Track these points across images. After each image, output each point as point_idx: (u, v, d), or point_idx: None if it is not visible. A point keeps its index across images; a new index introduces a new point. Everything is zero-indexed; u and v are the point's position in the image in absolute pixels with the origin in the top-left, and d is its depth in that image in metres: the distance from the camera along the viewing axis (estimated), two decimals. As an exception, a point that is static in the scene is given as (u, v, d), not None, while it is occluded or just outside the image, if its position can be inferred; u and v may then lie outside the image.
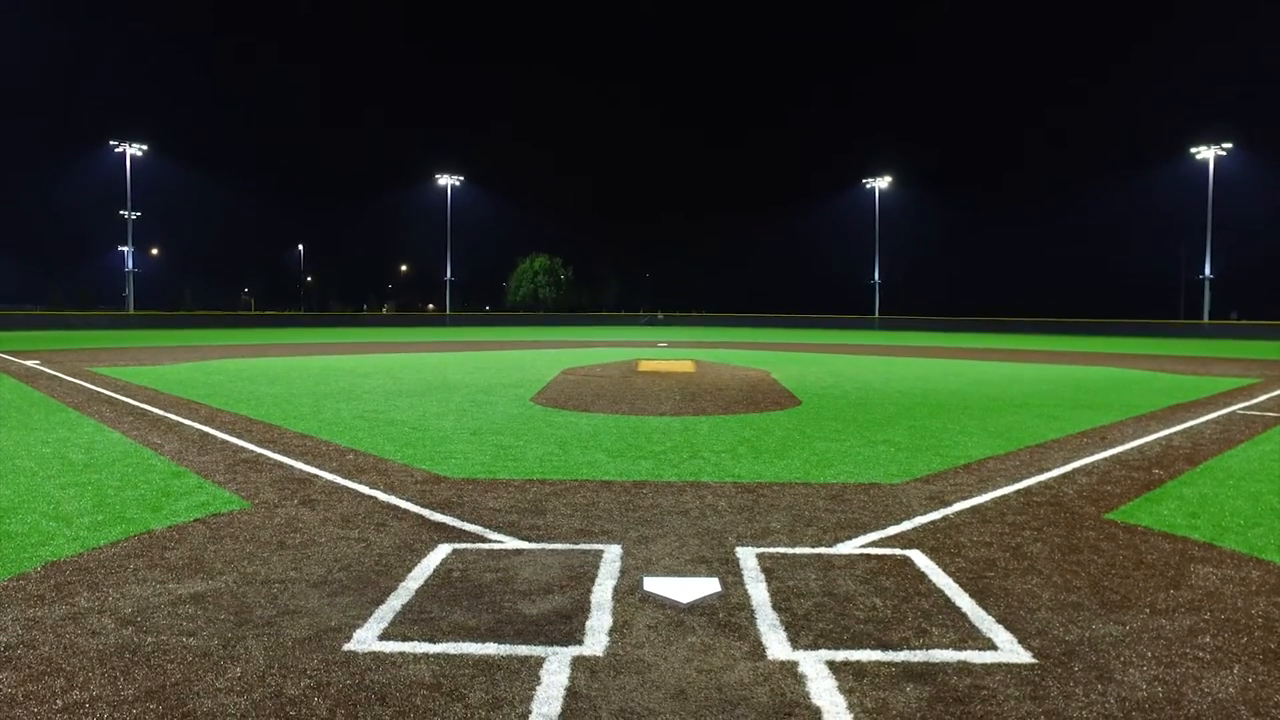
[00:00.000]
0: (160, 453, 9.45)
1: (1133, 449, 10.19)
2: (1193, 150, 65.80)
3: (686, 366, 23.14)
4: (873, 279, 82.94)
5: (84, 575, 5.25)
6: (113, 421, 11.83)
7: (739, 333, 60.29)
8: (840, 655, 4.14)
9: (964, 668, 4.01)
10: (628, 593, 5.00)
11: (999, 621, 4.59)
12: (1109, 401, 15.46)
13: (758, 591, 5.04)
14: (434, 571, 5.37)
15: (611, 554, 5.76)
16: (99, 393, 15.65)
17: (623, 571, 5.39)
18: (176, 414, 12.69)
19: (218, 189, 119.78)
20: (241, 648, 4.17)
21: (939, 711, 3.58)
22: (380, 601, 4.82)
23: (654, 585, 5.13)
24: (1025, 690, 3.78)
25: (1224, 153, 64.54)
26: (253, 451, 9.62)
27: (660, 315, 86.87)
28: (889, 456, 9.60)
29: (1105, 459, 9.51)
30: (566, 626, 4.47)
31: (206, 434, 10.83)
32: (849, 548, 5.99)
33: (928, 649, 4.22)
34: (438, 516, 6.74)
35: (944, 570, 5.48)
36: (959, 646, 4.25)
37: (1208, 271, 65.48)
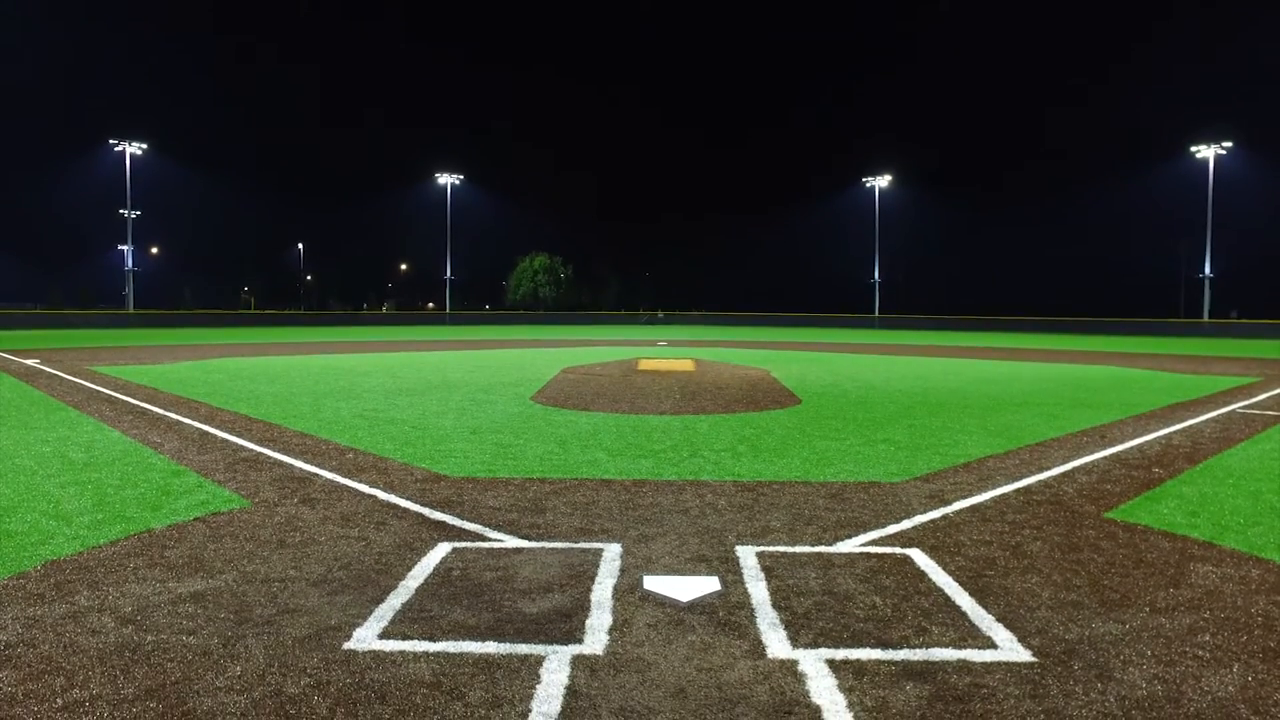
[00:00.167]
0: (160, 451, 9.45)
1: (1132, 448, 10.19)
2: (1193, 149, 65.80)
3: (686, 365, 23.14)
4: (873, 278, 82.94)
5: (84, 574, 5.25)
6: (112, 420, 11.83)
7: (739, 332, 60.28)
8: (840, 654, 4.14)
9: (964, 666, 4.01)
10: (628, 591, 5.00)
11: (999, 620, 4.59)
12: (1109, 400, 15.46)
13: (757, 590, 5.04)
14: (434, 570, 5.37)
15: (611, 553, 5.76)
16: (99, 392, 15.65)
17: (622, 570, 5.39)
18: (176, 413, 12.69)
19: (217, 188, 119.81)
20: (241, 646, 4.17)
21: (939, 710, 3.58)
22: (380, 600, 4.82)
23: (654, 584, 5.13)
24: (1025, 689, 3.78)
25: (1224, 152, 64.54)
26: (252, 450, 9.62)
27: (660, 314, 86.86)
28: (889, 455, 9.60)
29: (1105, 458, 9.51)
30: (566, 625, 4.47)
31: (206, 433, 10.83)
32: (849, 546, 5.99)
33: (927, 648, 4.22)
34: (437, 515, 6.74)
35: (944, 569, 5.48)
36: (959, 645, 4.25)
37: (1207, 270, 65.51)
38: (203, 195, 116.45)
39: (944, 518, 6.82)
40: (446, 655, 4.08)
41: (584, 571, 5.36)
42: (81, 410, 12.91)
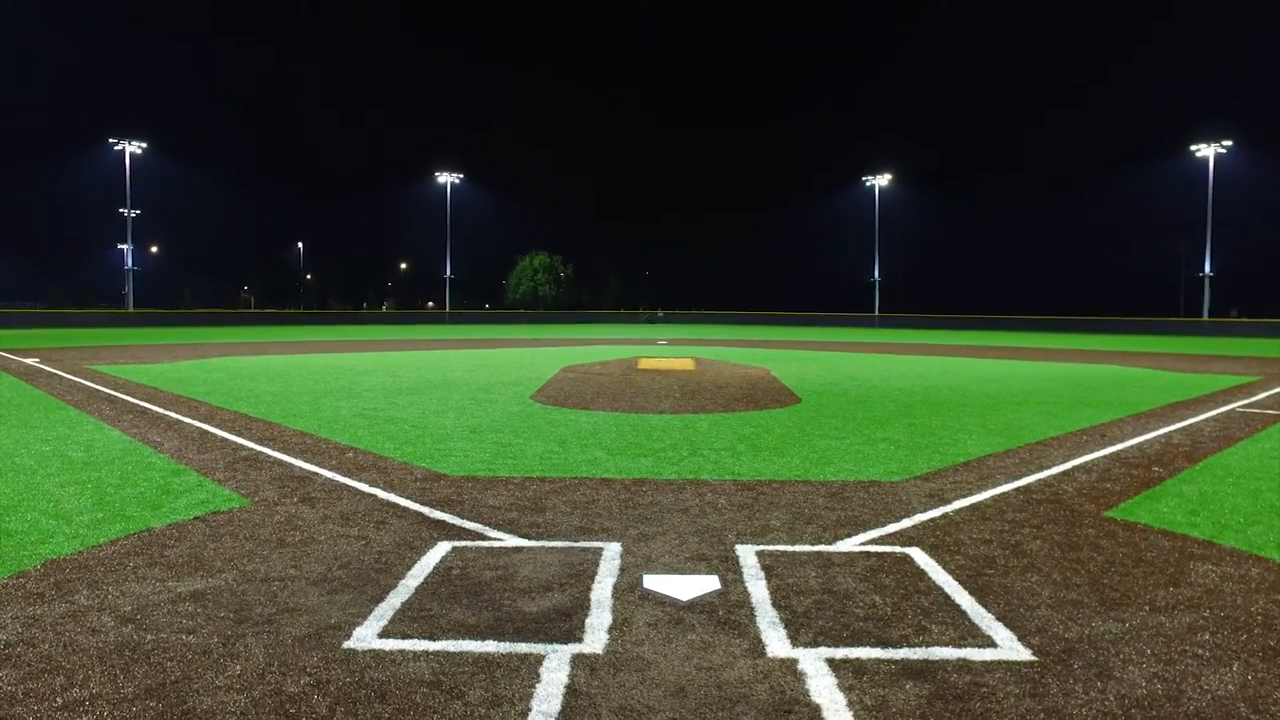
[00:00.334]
0: (160, 451, 9.45)
1: (1132, 447, 10.19)
2: (1193, 148, 65.76)
3: (686, 364, 23.14)
4: (873, 277, 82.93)
5: (83, 573, 5.25)
6: (112, 419, 11.83)
7: (739, 330, 60.28)
8: (840, 653, 4.14)
9: (964, 665, 4.01)
10: (627, 590, 5.00)
11: (999, 619, 4.59)
12: (1108, 399, 15.46)
13: (757, 589, 5.04)
14: (433, 569, 5.37)
15: (611, 552, 5.76)
16: (98, 391, 15.65)
17: (622, 569, 5.40)
18: (176, 412, 12.69)
19: (217, 187, 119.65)
20: (241, 645, 4.17)
21: (938, 709, 3.58)
22: (380, 599, 4.82)
23: (654, 583, 5.13)
24: (1025, 687, 3.78)
25: (1224, 150, 64.51)
26: (252, 449, 9.62)
27: (660, 313, 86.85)
28: (889, 454, 9.60)
29: (1105, 457, 9.52)
30: (566, 624, 4.47)
31: (206, 432, 10.83)
32: (849, 545, 5.99)
33: (927, 646, 4.22)
34: (437, 514, 6.74)
35: (943, 568, 5.48)
36: (959, 644, 4.25)
37: (1207, 269, 65.46)
38: (202, 194, 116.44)
39: (944, 517, 6.82)
40: (446, 654, 4.08)
41: (584, 570, 5.36)
42: (81, 409, 12.91)
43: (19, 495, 7.31)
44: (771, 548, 5.90)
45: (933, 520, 6.70)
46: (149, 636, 4.27)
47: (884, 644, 4.24)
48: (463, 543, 5.96)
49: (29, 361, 23.24)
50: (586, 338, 45.06)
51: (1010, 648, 4.21)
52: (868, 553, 5.82)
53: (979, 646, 4.23)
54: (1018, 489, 7.84)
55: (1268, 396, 16.21)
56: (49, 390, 15.74)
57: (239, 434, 10.66)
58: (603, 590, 4.99)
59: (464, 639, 4.27)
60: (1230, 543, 6.14)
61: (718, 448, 9.85)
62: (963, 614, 4.67)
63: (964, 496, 7.52)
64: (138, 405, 13.51)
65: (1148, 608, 4.80)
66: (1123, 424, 12.12)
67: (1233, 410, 13.94)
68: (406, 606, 4.71)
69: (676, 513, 6.84)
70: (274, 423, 11.71)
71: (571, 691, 3.71)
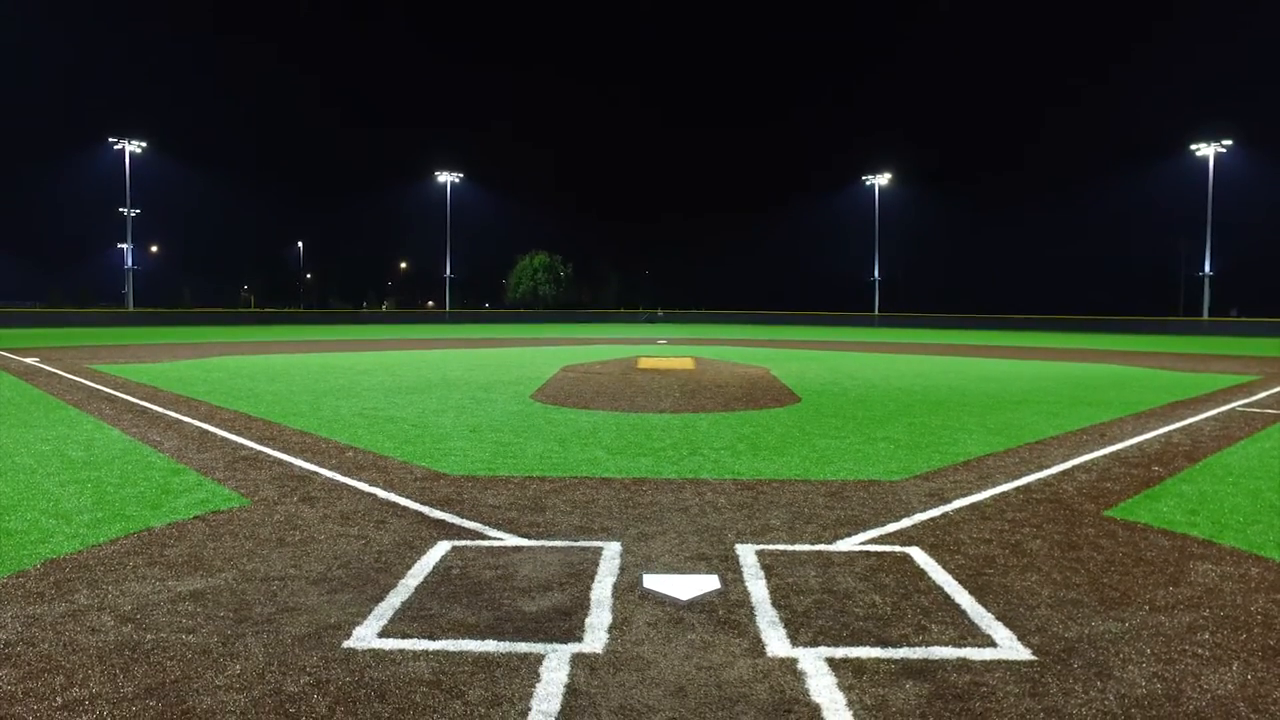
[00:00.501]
0: (160, 450, 9.45)
1: (1132, 446, 10.19)
2: (1193, 147, 65.74)
3: (686, 364, 23.14)
4: (872, 276, 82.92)
5: (83, 573, 5.25)
6: (112, 419, 11.83)
7: (739, 330, 60.28)
8: (840, 652, 4.14)
9: (963, 665, 4.01)
10: (627, 590, 5.00)
11: (998, 618, 4.59)
12: (1108, 399, 15.46)
13: (757, 588, 5.04)
14: (433, 569, 5.37)
15: (611, 551, 5.76)
16: (98, 390, 15.65)
17: (622, 569, 5.40)
18: (176, 411, 12.69)
19: (217, 187, 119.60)
20: (241, 645, 4.17)
21: (938, 708, 3.58)
22: (380, 599, 4.82)
23: (653, 582, 5.13)
24: (1025, 687, 3.78)
25: (1224, 150, 64.48)
26: (252, 449, 9.62)
27: (660, 312, 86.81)
28: (888, 453, 9.60)
29: (1105, 456, 9.52)
30: (566, 624, 4.47)
31: (206, 431, 10.83)
32: (848, 545, 5.99)
33: (927, 646, 4.22)
34: (437, 514, 6.74)
35: (943, 567, 5.48)
36: (958, 643, 4.25)
37: (1207, 268, 65.46)
38: (202, 194, 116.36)
39: (944, 516, 6.83)
40: (446, 654, 4.08)
41: (583, 570, 5.36)
42: (81, 409, 12.91)
43: (19, 494, 7.31)
44: (771, 547, 5.90)
45: (932, 520, 6.70)
46: (149, 636, 4.27)
47: (884, 643, 4.25)
48: (462, 542, 5.96)
49: (29, 361, 23.23)
50: (586, 337, 45.06)
51: (1010, 647, 4.21)
52: (867, 552, 5.82)
53: (979, 646, 4.23)
54: (1017, 488, 7.84)
55: (1268, 396, 16.21)
56: (49, 389, 15.74)
57: (239, 433, 10.66)
58: (602, 590, 4.99)
59: (464, 638, 4.27)
60: (1230, 542, 6.14)
61: (718, 447, 9.85)
62: (962, 613, 4.67)
63: (964, 496, 7.52)
64: (137, 404, 13.51)
65: (1147, 607, 4.80)
66: (1122, 423, 12.12)
67: (1232, 410, 13.94)
68: (406, 606, 4.71)
69: (676, 512, 6.84)
70: (274, 422, 11.71)
71: (571, 691, 3.71)
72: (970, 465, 8.96)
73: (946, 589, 5.07)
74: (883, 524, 6.55)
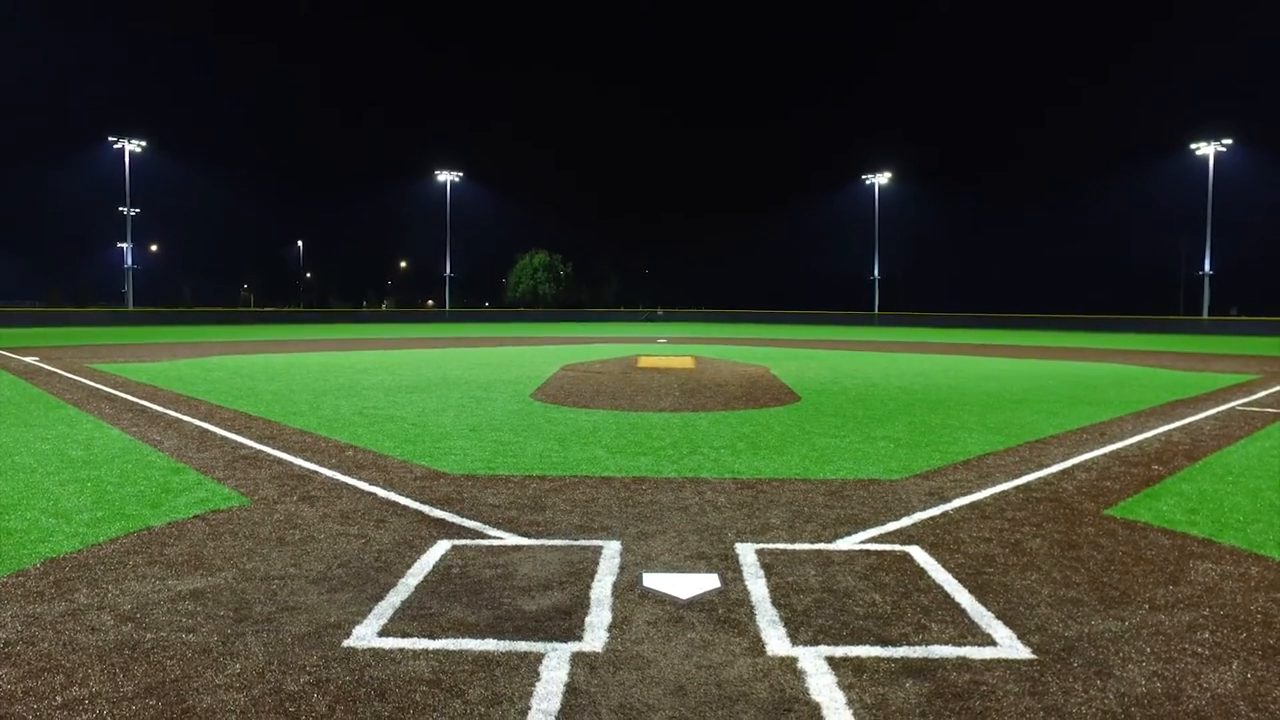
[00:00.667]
0: (159, 449, 9.45)
1: (1132, 445, 10.19)
2: (1192, 146, 65.72)
3: (686, 363, 23.14)
4: (872, 275, 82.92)
5: (83, 572, 5.25)
6: (112, 418, 11.82)
7: (739, 329, 60.27)
8: (840, 651, 4.14)
9: (963, 663, 4.01)
10: (627, 589, 5.00)
11: (998, 617, 4.59)
12: (1108, 398, 15.46)
13: (757, 587, 5.04)
14: (433, 568, 5.37)
15: (611, 550, 5.76)
16: (98, 389, 15.65)
17: (622, 567, 5.39)
18: (176, 410, 12.69)
19: (217, 186, 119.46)
20: (241, 644, 4.17)
21: (938, 707, 3.58)
22: (379, 598, 4.82)
23: (653, 581, 5.13)
24: (1024, 686, 3.79)
25: (1224, 149, 64.44)
26: (252, 448, 9.61)
27: (660, 311, 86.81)
28: (888, 452, 9.60)
29: (1105, 455, 9.52)
30: (566, 623, 4.47)
31: (206, 430, 10.83)
32: (848, 544, 5.99)
33: (927, 645, 4.22)
34: (437, 513, 6.74)
35: (943, 566, 5.48)
36: (958, 642, 4.25)
37: (1207, 267, 65.44)
38: (202, 193, 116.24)
39: (943, 515, 6.82)
40: (446, 653, 4.08)
41: (583, 569, 5.36)
42: (81, 408, 12.91)
43: (18, 494, 7.30)
44: (771, 546, 5.90)
45: (932, 519, 6.70)
46: (148, 635, 4.27)
47: (884, 642, 4.25)
48: (462, 541, 5.96)
49: (29, 360, 23.23)
50: (586, 336, 45.05)
51: (1010, 646, 4.22)
52: (867, 551, 5.82)
53: (979, 645, 4.23)
54: (1017, 487, 7.84)
55: (1267, 395, 16.21)
56: (49, 389, 15.73)
57: (239, 432, 10.66)
58: (602, 589, 4.99)
59: (464, 637, 4.27)
60: (1230, 541, 6.14)
61: (717, 446, 9.85)
62: (962, 612, 4.67)
63: (964, 495, 7.52)
64: (137, 404, 13.50)
65: (1147, 606, 4.80)
66: (1122, 422, 12.12)
67: (1232, 409, 13.94)
68: (406, 605, 4.71)
69: (676, 511, 6.84)
70: (274, 421, 11.71)
71: (571, 690, 3.71)
72: (970, 464, 8.96)
73: (946, 588, 5.07)
74: (883, 523, 6.55)
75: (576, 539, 6.03)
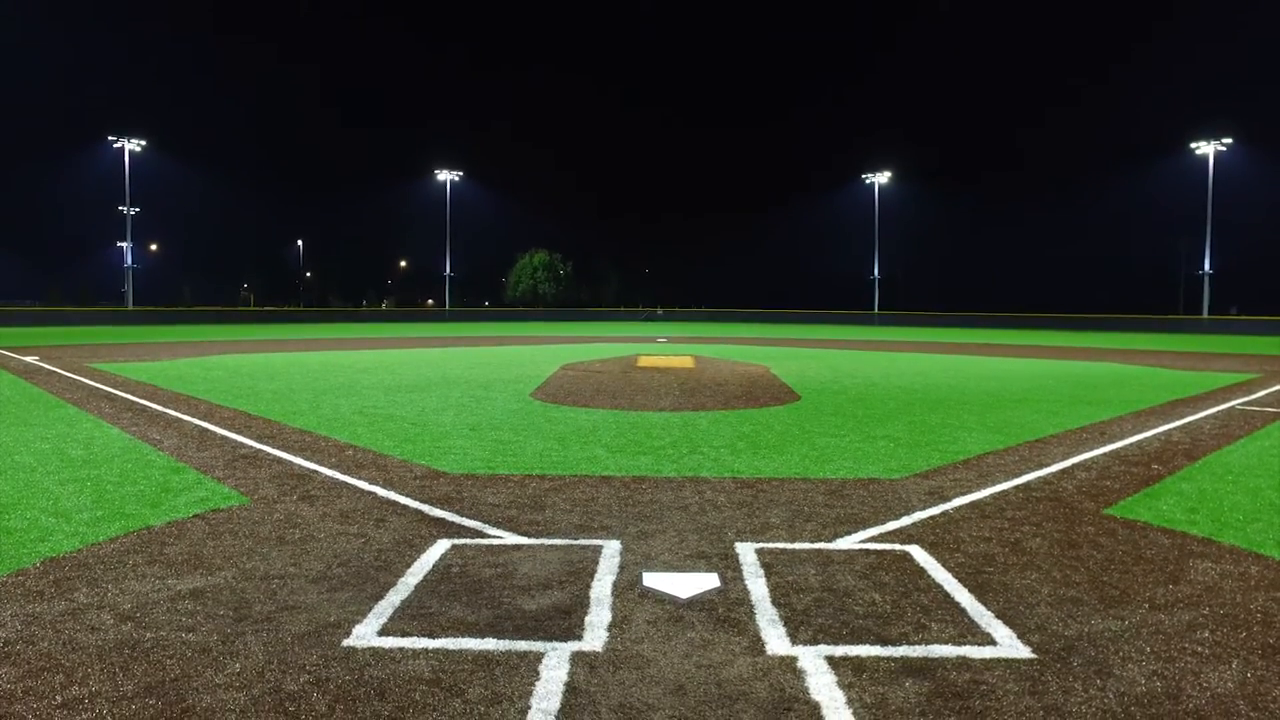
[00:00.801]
0: (159, 448, 9.45)
1: (1132, 444, 10.19)
2: (1192, 146, 65.71)
3: (686, 362, 23.14)
4: (872, 275, 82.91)
5: (83, 571, 5.25)
6: (111, 417, 11.82)
7: (739, 328, 60.27)
8: (839, 650, 4.14)
9: (963, 663, 4.01)
10: (627, 588, 5.00)
11: (998, 617, 4.59)
12: (1108, 397, 15.46)
13: (757, 587, 5.04)
14: (433, 567, 5.37)
15: (611, 549, 5.76)
16: (98, 389, 15.65)
17: (622, 567, 5.39)
18: (175, 410, 12.69)
19: (217, 185, 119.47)
20: (241, 643, 4.17)
21: (938, 706, 3.58)
22: (379, 597, 4.82)
23: (653, 581, 5.13)
24: (1024, 685, 3.78)
25: (1224, 148, 64.43)
26: (252, 447, 9.61)
27: (660, 311, 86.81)
28: (888, 452, 9.60)
29: (1104, 454, 9.52)
30: (566, 622, 4.47)
31: (205, 430, 10.82)
32: (848, 543, 5.99)
33: (927, 644, 4.22)
34: (437, 512, 6.74)
35: (943, 565, 5.48)
36: (958, 642, 4.25)
37: (1207, 267, 65.43)
38: (202, 192, 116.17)
39: (943, 514, 6.82)
40: (446, 652, 4.08)
41: (583, 568, 5.36)
42: (81, 407, 12.91)
43: (18, 493, 7.30)
44: (771, 545, 5.90)
45: (932, 518, 6.70)
46: (148, 634, 4.27)
47: (883, 642, 4.24)
48: (462, 540, 5.96)
49: (28, 359, 23.23)
50: (586, 335, 45.05)
51: (1010, 645, 4.22)
52: (867, 550, 5.82)
53: (978, 644, 4.23)
54: (1017, 487, 7.84)
55: (1267, 394, 16.21)
56: (48, 388, 15.73)
57: (238, 432, 10.66)
58: (602, 588, 4.99)
59: (463, 637, 4.27)
60: (1230, 540, 6.14)
61: (717, 445, 9.85)
62: (962, 612, 4.67)
63: (964, 494, 7.52)
64: (137, 403, 13.50)
65: (1147, 605, 4.80)
66: (1122, 422, 12.12)
67: (1232, 408, 13.94)
68: (406, 604, 4.71)
69: (676, 510, 6.84)
70: (273, 420, 11.71)
71: (571, 689, 3.71)
72: (970, 463, 8.96)
73: (946, 587, 5.07)
74: (882, 522, 6.55)
75: (576, 538, 6.03)
